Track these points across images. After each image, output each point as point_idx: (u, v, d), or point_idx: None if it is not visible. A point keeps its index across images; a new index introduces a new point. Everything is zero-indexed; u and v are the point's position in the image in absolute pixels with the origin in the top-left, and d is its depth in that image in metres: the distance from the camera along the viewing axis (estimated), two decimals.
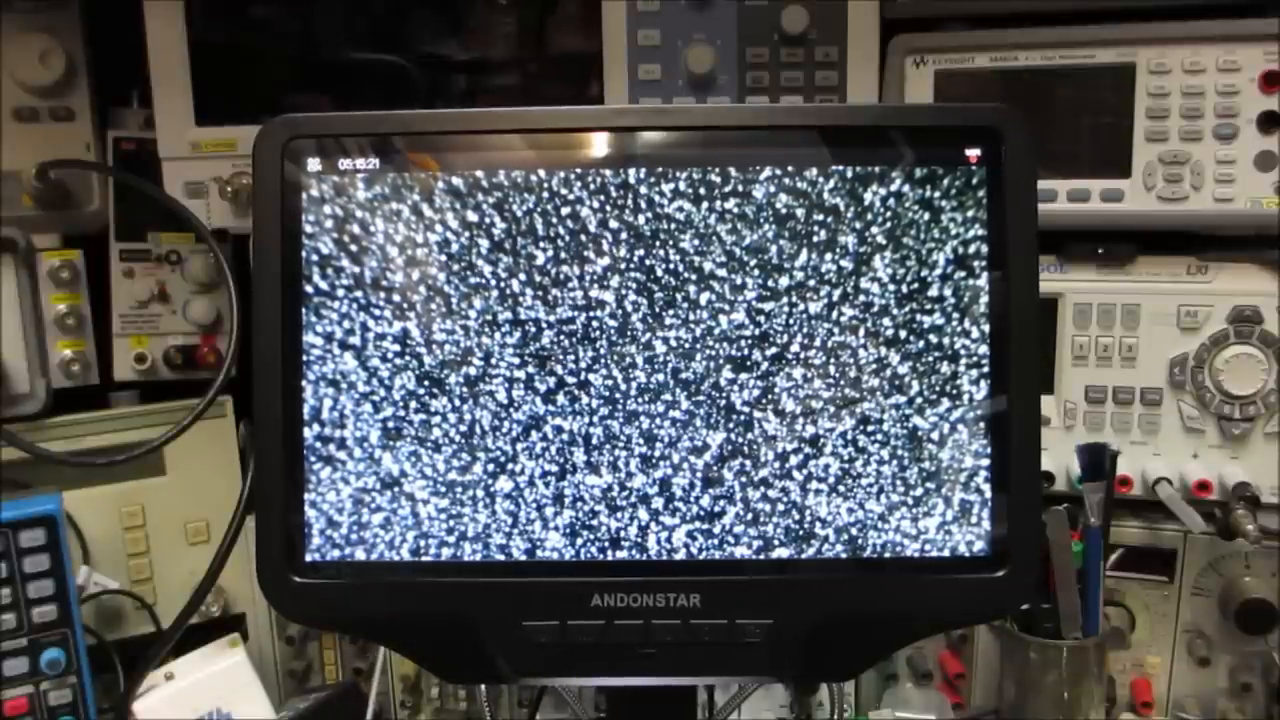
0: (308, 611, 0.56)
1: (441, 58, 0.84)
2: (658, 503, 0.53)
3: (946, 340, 0.52)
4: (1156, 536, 0.83)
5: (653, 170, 0.52)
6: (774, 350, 0.52)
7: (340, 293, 0.52)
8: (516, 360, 0.52)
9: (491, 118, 0.53)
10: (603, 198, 0.52)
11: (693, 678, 0.56)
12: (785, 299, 0.52)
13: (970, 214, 0.52)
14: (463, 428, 0.53)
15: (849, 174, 0.52)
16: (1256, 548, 0.78)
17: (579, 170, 0.52)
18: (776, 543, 0.53)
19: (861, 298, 0.52)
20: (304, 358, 0.52)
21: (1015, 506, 0.52)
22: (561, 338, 0.52)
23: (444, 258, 0.52)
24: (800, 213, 0.52)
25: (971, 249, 0.52)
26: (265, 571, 0.52)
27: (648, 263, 0.52)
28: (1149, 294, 0.81)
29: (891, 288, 0.52)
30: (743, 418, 0.52)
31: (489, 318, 0.52)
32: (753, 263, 0.52)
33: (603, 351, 0.52)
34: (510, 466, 0.53)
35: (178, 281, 0.92)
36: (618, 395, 0.52)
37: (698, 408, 0.52)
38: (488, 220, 0.52)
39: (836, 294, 0.52)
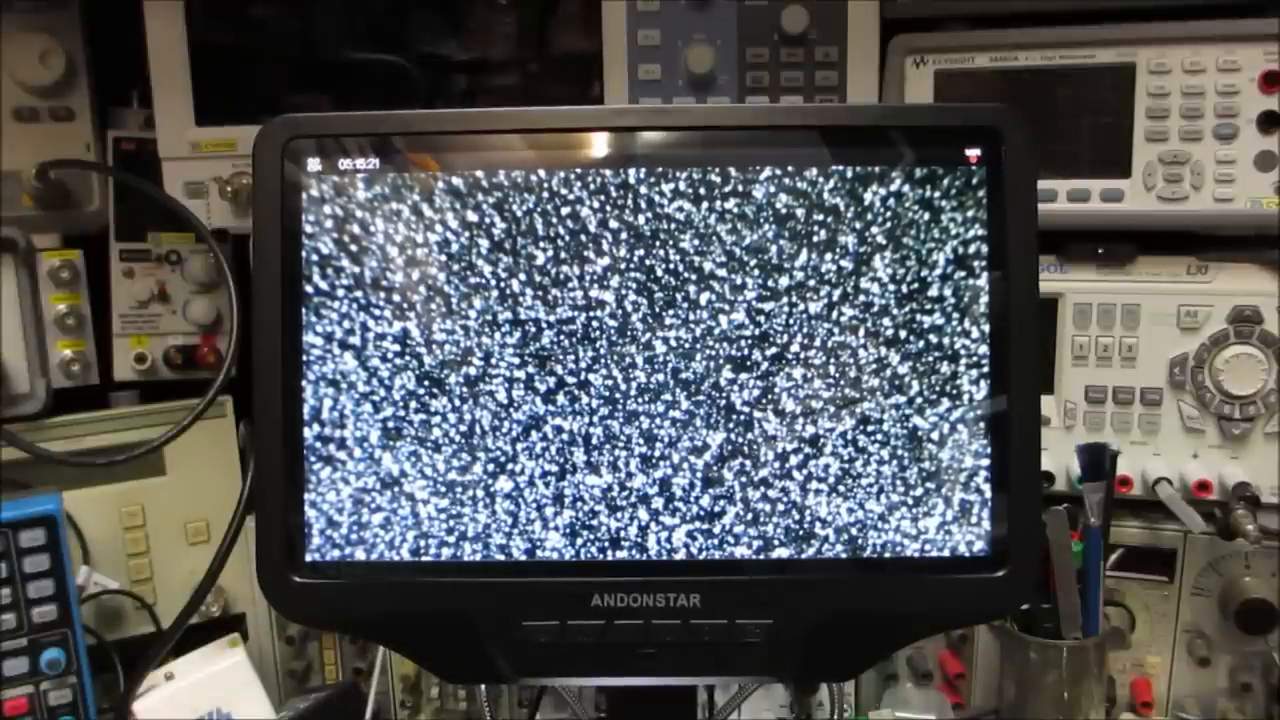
0: (308, 611, 0.55)
1: (441, 58, 0.84)
2: (658, 503, 0.53)
3: (946, 340, 0.52)
4: (1156, 536, 0.83)
5: (653, 170, 0.52)
6: (774, 350, 0.52)
7: (340, 293, 0.52)
8: (516, 360, 0.52)
9: (491, 118, 0.52)
10: (603, 198, 0.52)
11: (693, 678, 0.56)
12: (785, 299, 0.52)
13: (970, 214, 0.52)
14: (463, 428, 0.53)
15: (849, 174, 0.52)
16: (1256, 548, 0.78)
17: (579, 170, 0.52)
18: (776, 543, 0.53)
19: (861, 298, 0.52)
20: (304, 358, 0.52)
21: (1015, 506, 0.52)
22: (561, 338, 0.52)
23: (444, 258, 0.52)
24: (800, 213, 0.52)
25: (971, 249, 0.52)
26: (265, 571, 0.52)
27: (648, 263, 0.52)
28: (1149, 294, 0.81)
29: (891, 288, 0.52)
30: (743, 418, 0.52)
31: (489, 318, 0.52)
32: (753, 263, 0.52)
33: (603, 351, 0.52)
34: (510, 466, 0.53)
35: (178, 281, 0.92)
36: (618, 395, 0.52)
37: (698, 408, 0.52)
38: (488, 220, 0.52)
39: (836, 294, 0.52)
